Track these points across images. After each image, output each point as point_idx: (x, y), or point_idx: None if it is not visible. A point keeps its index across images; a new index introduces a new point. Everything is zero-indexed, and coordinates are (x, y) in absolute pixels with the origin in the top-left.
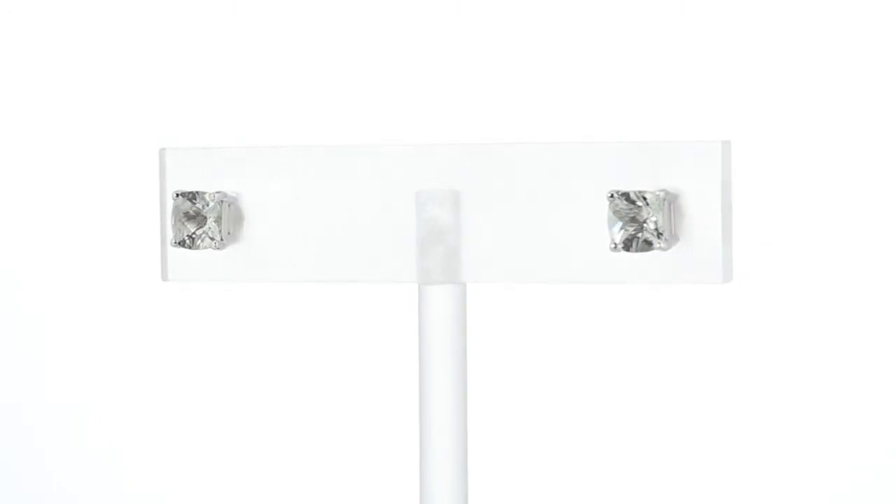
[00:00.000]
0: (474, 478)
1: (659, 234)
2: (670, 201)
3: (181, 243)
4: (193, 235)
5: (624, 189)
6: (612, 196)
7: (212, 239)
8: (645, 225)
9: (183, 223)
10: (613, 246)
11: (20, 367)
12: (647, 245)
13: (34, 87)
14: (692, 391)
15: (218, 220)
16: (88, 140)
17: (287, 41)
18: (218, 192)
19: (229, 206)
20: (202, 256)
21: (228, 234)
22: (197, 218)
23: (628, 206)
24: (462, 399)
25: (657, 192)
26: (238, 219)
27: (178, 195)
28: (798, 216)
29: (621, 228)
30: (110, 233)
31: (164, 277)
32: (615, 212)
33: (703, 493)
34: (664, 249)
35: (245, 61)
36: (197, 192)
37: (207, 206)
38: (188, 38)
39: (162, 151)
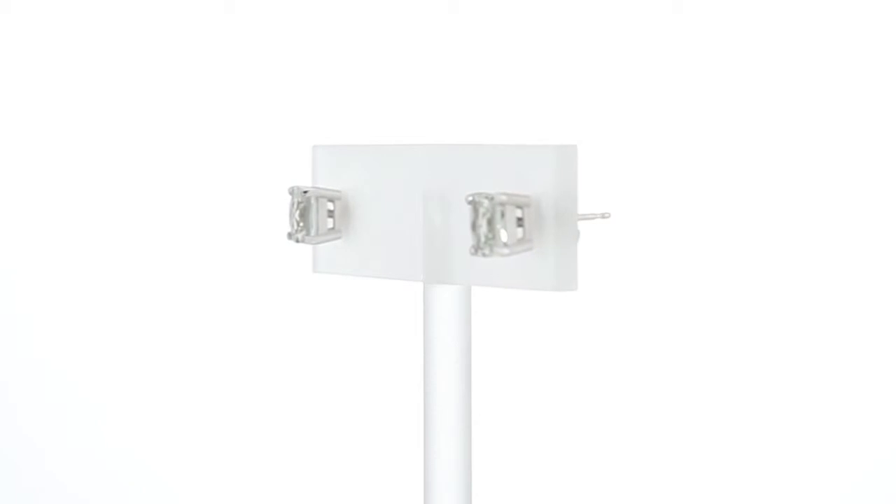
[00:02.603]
0: (477, 475)
1: (490, 240)
2: (519, 205)
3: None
4: (297, 229)
5: (478, 192)
6: (469, 200)
7: (312, 234)
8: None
9: (293, 217)
10: (473, 250)
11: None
12: (489, 250)
13: (180, 90)
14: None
15: (308, 215)
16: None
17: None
18: (315, 188)
19: (331, 201)
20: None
21: (330, 229)
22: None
23: (478, 210)
24: (466, 398)
25: (490, 196)
26: (346, 214)
27: (292, 191)
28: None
29: (473, 232)
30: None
31: (315, 269)
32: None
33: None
34: (503, 255)
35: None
36: (294, 188)
37: (306, 201)
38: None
39: (314, 148)
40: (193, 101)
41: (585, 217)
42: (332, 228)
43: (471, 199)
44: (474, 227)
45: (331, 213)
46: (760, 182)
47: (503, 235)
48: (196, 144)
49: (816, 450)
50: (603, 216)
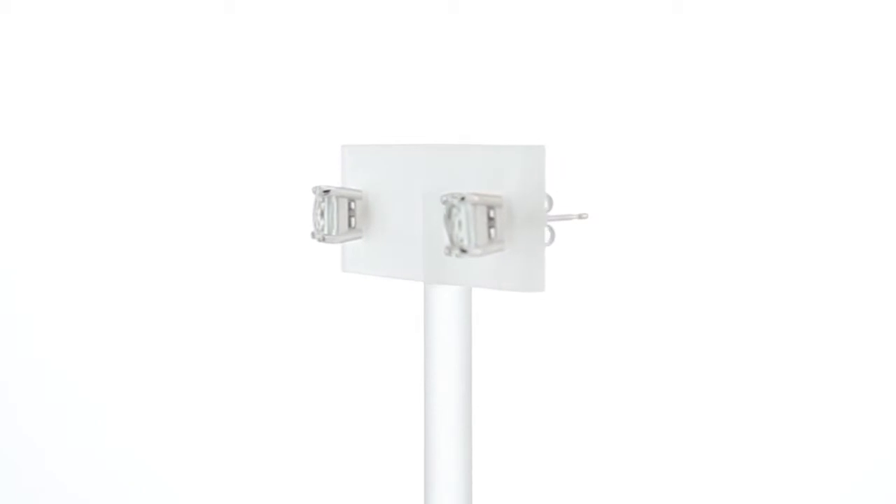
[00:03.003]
0: (478, 474)
1: (462, 239)
2: (490, 206)
3: (312, 235)
4: (319, 228)
5: (451, 193)
6: (444, 201)
7: (333, 234)
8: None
9: (316, 217)
10: (446, 250)
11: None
12: (458, 251)
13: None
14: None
15: (329, 215)
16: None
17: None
18: (337, 188)
19: (352, 201)
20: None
21: (352, 228)
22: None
23: (451, 210)
24: (466, 397)
25: (462, 196)
26: (367, 214)
27: (315, 191)
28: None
29: (447, 232)
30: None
31: (344, 269)
32: (445, 215)
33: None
34: (476, 255)
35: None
36: (316, 188)
37: (327, 201)
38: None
39: (343, 148)
40: (213, 105)
41: (563, 217)
42: (353, 228)
43: (444, 199)
44: (447, 227)
45: (352, 213)
46: (753, 183)
47: (471, 236)
48: (201, 145)
49: (804, 448)
50: (580, 217)
